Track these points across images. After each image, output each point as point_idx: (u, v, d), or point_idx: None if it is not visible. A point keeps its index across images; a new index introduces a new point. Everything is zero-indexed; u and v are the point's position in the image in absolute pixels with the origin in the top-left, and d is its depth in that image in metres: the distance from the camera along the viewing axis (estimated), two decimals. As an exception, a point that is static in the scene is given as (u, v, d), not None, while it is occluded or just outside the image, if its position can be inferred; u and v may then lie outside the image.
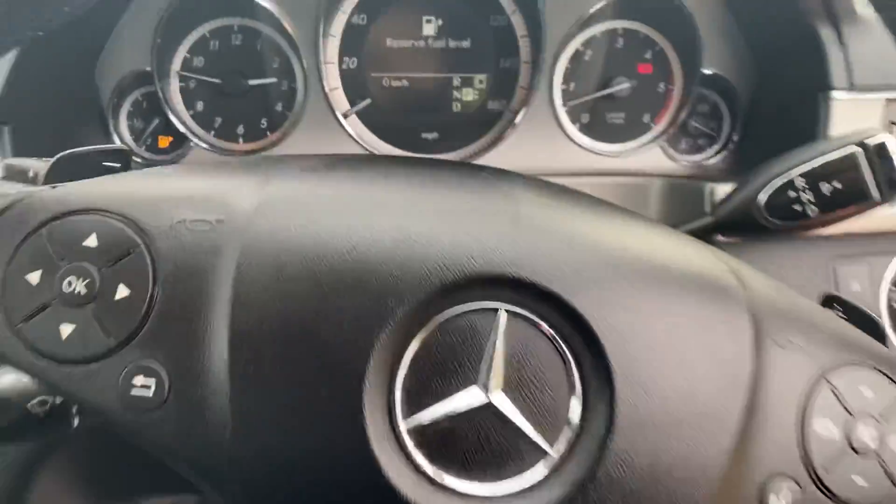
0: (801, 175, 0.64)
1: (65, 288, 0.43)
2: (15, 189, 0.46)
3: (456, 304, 0.41)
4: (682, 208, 0.82)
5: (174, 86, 0.91)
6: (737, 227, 0.69)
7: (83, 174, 0.49)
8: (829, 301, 0.53)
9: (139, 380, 0.41)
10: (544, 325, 0.41)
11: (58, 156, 0.50)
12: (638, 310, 0.41)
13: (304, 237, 0.42)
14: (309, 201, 0.45)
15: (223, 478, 0.41)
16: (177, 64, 0.91)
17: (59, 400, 0.57)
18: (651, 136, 0.95)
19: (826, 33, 0.77)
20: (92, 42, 0.86)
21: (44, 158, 0.62)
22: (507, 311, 0.41)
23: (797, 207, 0.65)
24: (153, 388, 0.41)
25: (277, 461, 0.40)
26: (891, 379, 0.45)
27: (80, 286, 0.42)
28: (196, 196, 0.45)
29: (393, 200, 0.45)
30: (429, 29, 0.93)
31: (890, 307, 0.75)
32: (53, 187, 0.47)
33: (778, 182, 0.65)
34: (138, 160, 0.92)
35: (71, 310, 0.42)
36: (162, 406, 0.41)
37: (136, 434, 0.42)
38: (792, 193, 0.65)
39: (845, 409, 0.44)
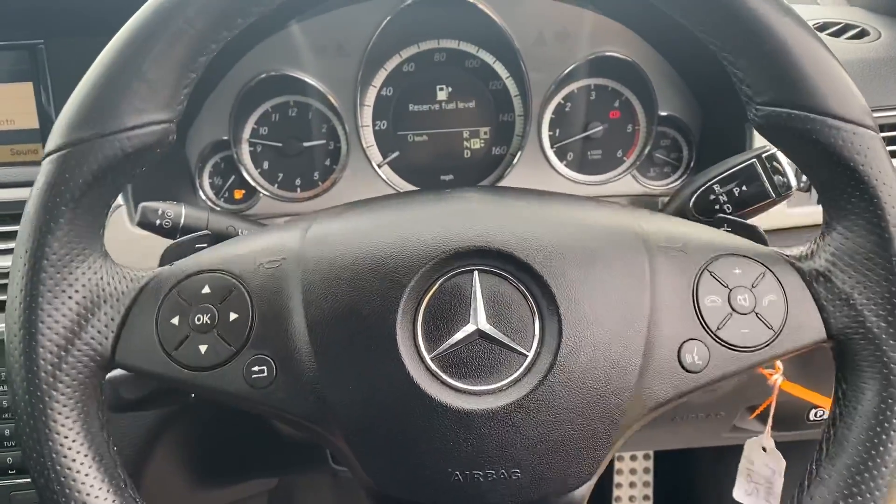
0: (718, 182, 0.84)
1: (196, 322, 0.59)
2: (147, 272, 0.62)
3: (446, 272, 0.57)
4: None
5: (245, 150, 1.14)
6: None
7: (184, 254, 0.65)
8: (719, 222, 0.70)
9: (256, 368, 0.58)
10: (507, 276, 0.57)
11: (168, 246, 0.68)
12: (566, 252, 0.58)
13: (339, 255, 0.59)
14: (337, 232, 0.62)
15: (323, 420, 0.57)
16: (247, 133, 1.13)
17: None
18: (624, 168, 1.16)
19: (744, 77, 0.99)
20: (187, 120, 1.11)
21: (167, 201, 0.86)
22: (478, 270, 0.57)
23: (717, 207, 0.84)
24: (266, 371, 0.58)
25: (354, 396, 0.56)
26: (754, 259, 0.60)
27: (205, 319, 0.59)
28: (266, 246, 0.62)
29: (390, 220, 0.64)
30: (442, 95, 1.15)
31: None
32: (171, 265, 0.63)
33: (702, 188, 0.85)
34: (218, 210, 1.17)
35: (203, 335, 0.59)
36: (274, 381, 0.58)
37: (260, 405, 0.58)
38: (712, 196, 0.83)
39: (723, 285, 0.59)
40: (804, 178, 0.91)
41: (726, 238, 0.65)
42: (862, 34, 1.15)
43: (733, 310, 0.59)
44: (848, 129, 0.54)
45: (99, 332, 0.59)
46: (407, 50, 1.14)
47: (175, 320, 0.60)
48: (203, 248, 0.68)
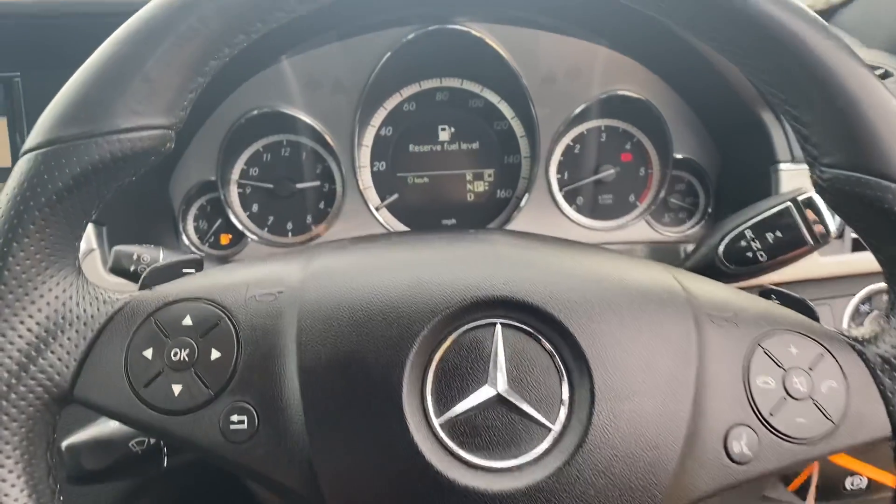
0: (749, 227, 0.78)
1: (172, 357, 0.52)
2: (124, 295, 0.55)
3: (462, 325, 0.51)
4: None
5: (233, 192, 1.08)
6: (703, 273, 0.83)
7: (168, 278, 0.59)
8: (766, 294, 0.62)
9: (235, 417, 0.50)
10: (532, 331, 0.50)
11: (150, 268, 0.61)
12: (603, 310, 0.51)
13: (342, 293, 0.53)
14: (342, 268, 0.56)
15: (307, 488, 0.49)
16: (236, 173, 1.07)
17: (153, 440, 0.70)
18: (637, 213, 1.11)
19: (767, 117, 0.94)
20: (171, 159, 1.04)
21: (143, 245, 0.79)
22: (501, 324, 0.51)
23: (749, 255, 0.77)
24: (246, 422, 0.50)
25: (347, 463, 0.49)
26: (811, 338, 0.54)
27: (183, 355, 0.52)
28: (261, 277, 0.56)
29: (403, 259, 0.58)
30: (444, 135, 1.10)
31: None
32: (151, 289, 0.57)
33: (732, 234, 0.78)
34: (201, 254, 1.09)
35: (178, 373, 0.52)
36: (254, 435, 0.50)
37: (235, 461, 0.51)
38: (743, 243, 0.77)
39: (778, 365, 0.53)
40: (839, 221, 0.84)
41: (779, 311, 0.58)
42: (885, 76, 1.10)
43: (788, 394, 0.52)
44: None
45: (59, 359, 0.52)
46: (408, 88, 1.08)
47: (148, 353, 0.53)
48: (191, 273, 0.62)
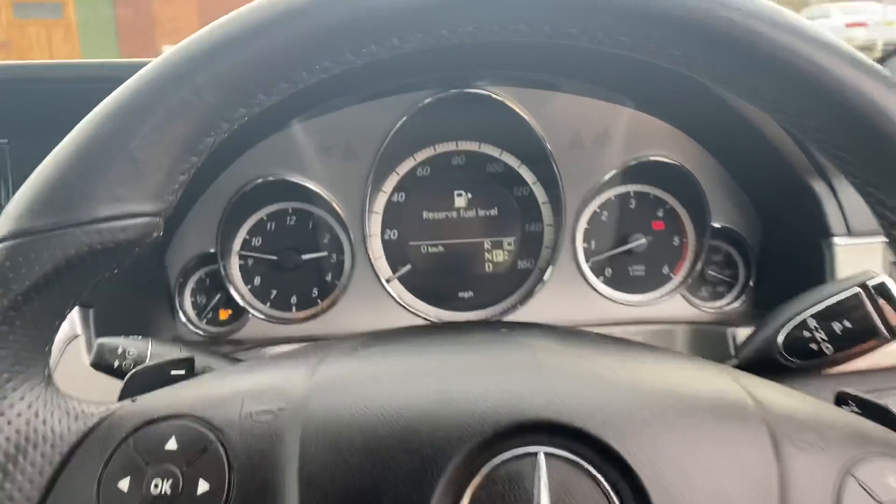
0: (813, 316, 0.69)
1: (153, 490, 0.45)
2: (100, 408, 0.49)
3: (497, 454, 0.43)
4: (708, 352, 0.87)
5: (234, 264, 1.00)
6: (760, 368, 0.74)
7: (154, 384, 0.53)
8: (842, 398, 0.54)
9: None
10: (581, 461, 0.43)
11: (131, 373, 0.55)
12: (664, 436, 0.44)
13: (353, 412, 0.46)
14: (353, 379, 0.49)
15: None
16: (237, 245, 1.00)
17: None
18: (672, 286, 1.02)
19: (819, 186, 0.86)
20: (168, 231, 0.96)
21: (131, 336, 0.71)
22: (545, 453, 0.43)
23: (813, 346, 0.69)
24: None
25: None
26: None
27: (165, 487, 0.45)
28: (258, 390, 0.49)
29: (426, 367, 0.50)
30: (460, 202, 1.03)
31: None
32: (133, 401, 0.50)
33: (792, 324, 0.70)
34: (200, 332, 1.01)
35: None
36: None
37: None
38: (806, 333, 0.69)
39: (875, 500, 0.45)
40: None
41: (867, 428, 0.50)
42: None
43: None
44: None
45: (20, 489, 0.45)
46: (422, 152, 1.02)
47: (124, 484, 0.45)
48: (180, 376, 0.56)
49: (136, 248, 0.47)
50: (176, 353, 0.69)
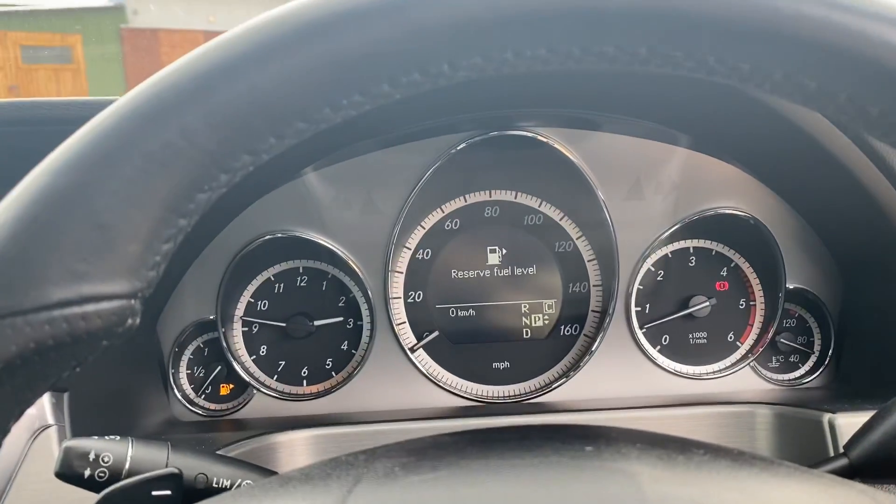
0: (948, 407, 0.56)
1: None
2: None
3: None
4: (798, 444, 0.74)
5: (237, 332, 0.89)
6: (879, 470, 0.61)
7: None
8: None
9: None
10: None
11: (104, 493, 0.48)
12: None
13: None
14: None
15: None
16: (240, 310, 0.89)
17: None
18: (738, 356, 0.89)
19: (920, 243, 0.74)
20: (158, 296, 0.84)
21: (106, 437, 0.58)
22: None
23: None
24: None
25: None
26: None
27: None
28: None
29: (499, 497, 0.38)
30: (493, 259, 0.92)
31: None
32: None
33: None
34: (199, 412, 0.87)
35: None
36: None
37: None
38: None
39: None
40: None
41: None
42: None
43: None
44: None
45: None
46: (450, 203, 0.90)
47: None
48: (163, 497, 0.51)
49: (103, 341, 0.35)
50: (162, 457, 0.56)
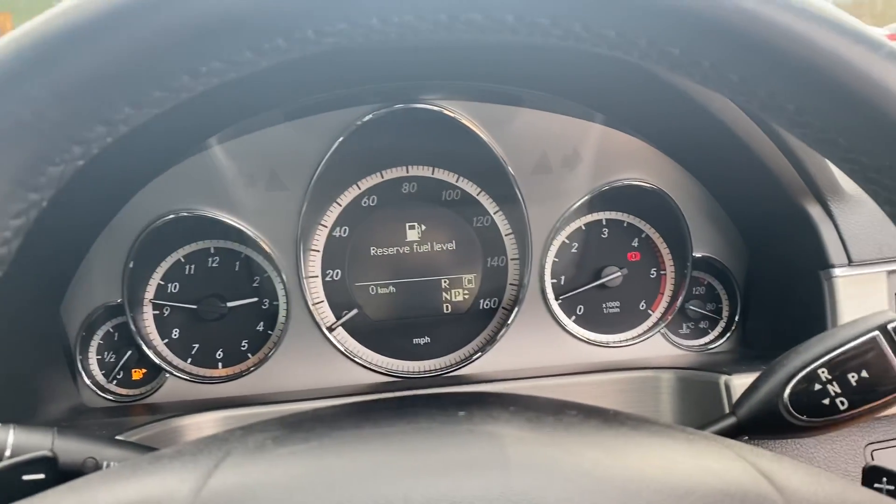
0: (823, 366, 0.58)
1: None
2: None
3: None
4: (698, 405, 0.76)
5: (147, 315, 0.86)
6: (763, 427, 0.63)
7: (5, 493, 0.45)
8: (871, 473, 0.46)
9: None
10: None
11: None
12: None
13: None
14: (254, 495, 0.36)
15: None
16: (150, 293, 0.86)
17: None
18: (650, 324, 0.91)
19: (815, 212, 0.76)
20: (57, 278, 0.82)
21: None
22: None
23: (825, 402, 0.58)
24: None
25: None
26: None
27: None
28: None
29: (358, 472, 0.37)
30: (412, 235, 0.91)
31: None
32: None
33: (800, 376, 0.59)
34: (110, 398, 0.86)
35: None
36: None
37: None
38: (817, 386, 0.59)
39: None
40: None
41: None
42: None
43: None
44: None
45: None
46: (366, 180, 0.89)
47: None
48: (37, 481, 0.49)
49: None
50: (46, 443, 0.54)
